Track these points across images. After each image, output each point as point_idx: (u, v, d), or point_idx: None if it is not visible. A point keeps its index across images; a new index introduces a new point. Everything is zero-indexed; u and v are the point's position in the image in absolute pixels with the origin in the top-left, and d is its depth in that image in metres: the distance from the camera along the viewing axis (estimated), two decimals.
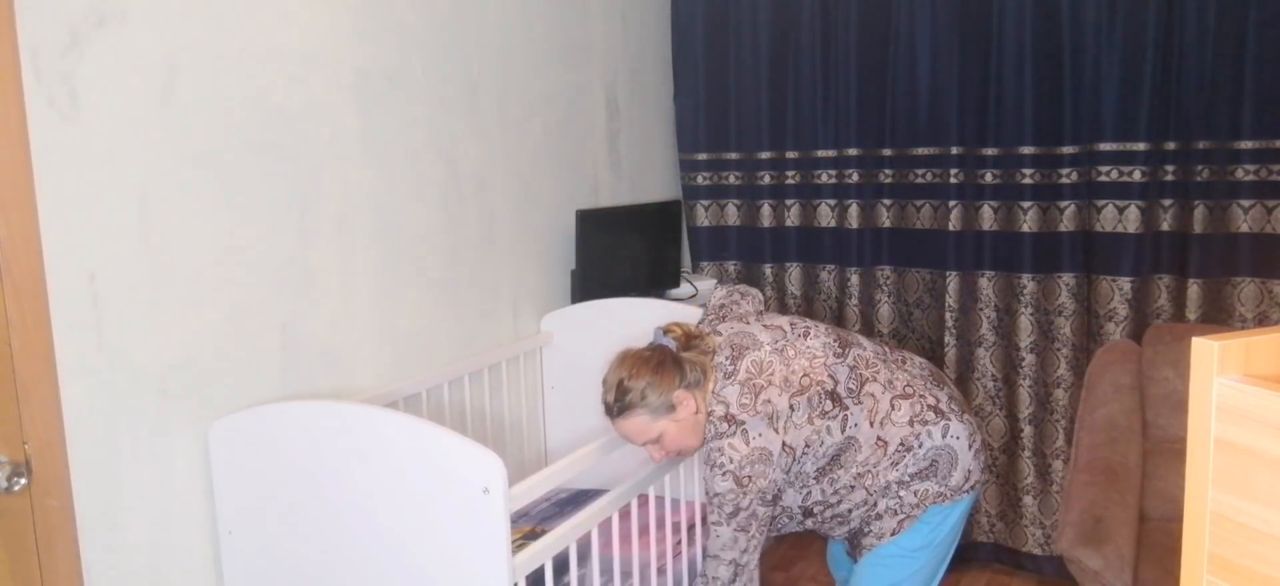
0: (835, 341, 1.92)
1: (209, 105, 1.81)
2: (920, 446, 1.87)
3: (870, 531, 1.92)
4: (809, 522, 1.98)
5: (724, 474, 1.78)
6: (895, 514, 1.89)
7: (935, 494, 1.87)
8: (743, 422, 1.80)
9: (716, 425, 1.82)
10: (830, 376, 1.86)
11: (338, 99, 2.09)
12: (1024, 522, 3.08)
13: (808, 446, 1.83)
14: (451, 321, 2.46)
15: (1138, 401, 2.69)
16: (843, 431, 1.85)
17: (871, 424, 1.87)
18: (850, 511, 1.92)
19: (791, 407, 1.81)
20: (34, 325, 1.53)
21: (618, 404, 1.87)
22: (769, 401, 1.81)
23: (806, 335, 1.92)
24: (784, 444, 1.81)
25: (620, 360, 1.90)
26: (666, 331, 1.94)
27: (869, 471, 1.87)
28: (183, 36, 1.75)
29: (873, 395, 1.88)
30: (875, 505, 1.89)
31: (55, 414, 1.56)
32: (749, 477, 1.78)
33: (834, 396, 1.85)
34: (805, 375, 1.84)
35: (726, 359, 1.88)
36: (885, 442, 1.87)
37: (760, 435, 1.80)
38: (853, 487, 1.89)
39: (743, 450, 1.78)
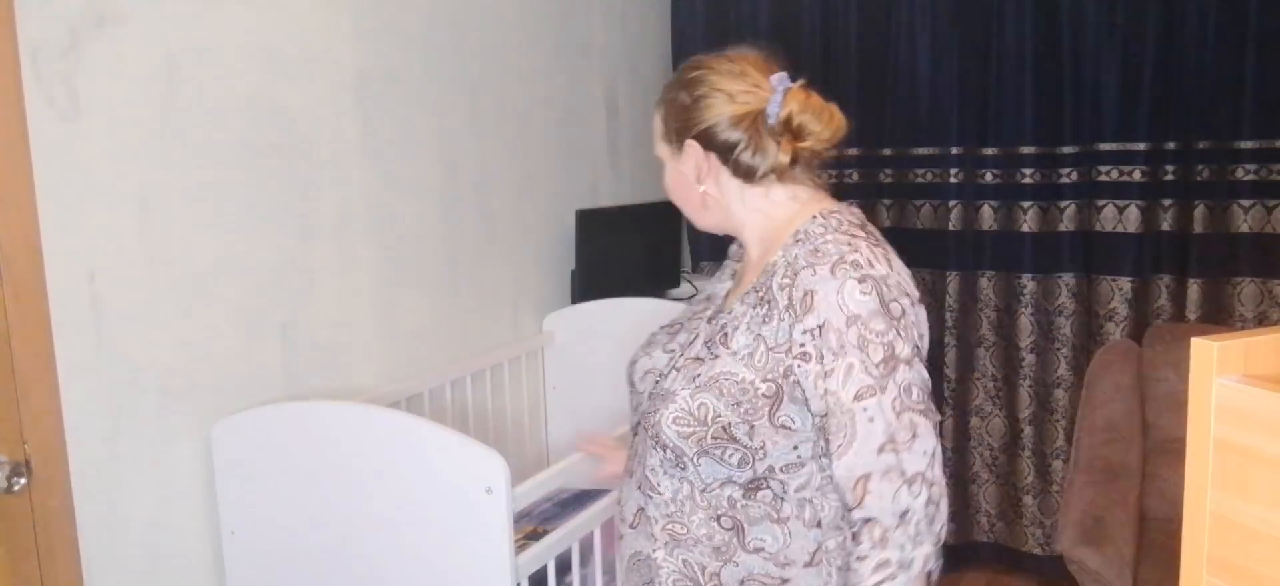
0: None
1: (209, 105, 1.81)
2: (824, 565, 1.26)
3: None
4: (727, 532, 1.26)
5: (863, 281, 1.15)
6: None
7: None
8: (876, 242, 1.24)
9: (826, 220, 1.25)
10: None
11: (338, 99, 2.09)
12: (1024, 522, 3.08)
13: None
14: (452, 321, 2.47)
15: (1138, 401, 2.70)
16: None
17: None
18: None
19: None
20: (34, 325, 1.53)
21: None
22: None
23: None
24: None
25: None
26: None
27: (806, 506, 1.24)
28: (183, 36, 1.75)
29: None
30: None
31: (55, 414, 1.56)
32: (897, 304, 1.17)
33: None
34: None
35: (850, 223, 1.26)
36: (819, 519, 1.25)
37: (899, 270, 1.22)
38: (776, 523, 1.24)
39: (883, 265, 1.19)
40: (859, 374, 1.14)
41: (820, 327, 1.15)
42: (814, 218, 1.26)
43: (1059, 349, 2.96)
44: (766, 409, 1.19)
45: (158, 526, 1.76)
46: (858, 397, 1.14)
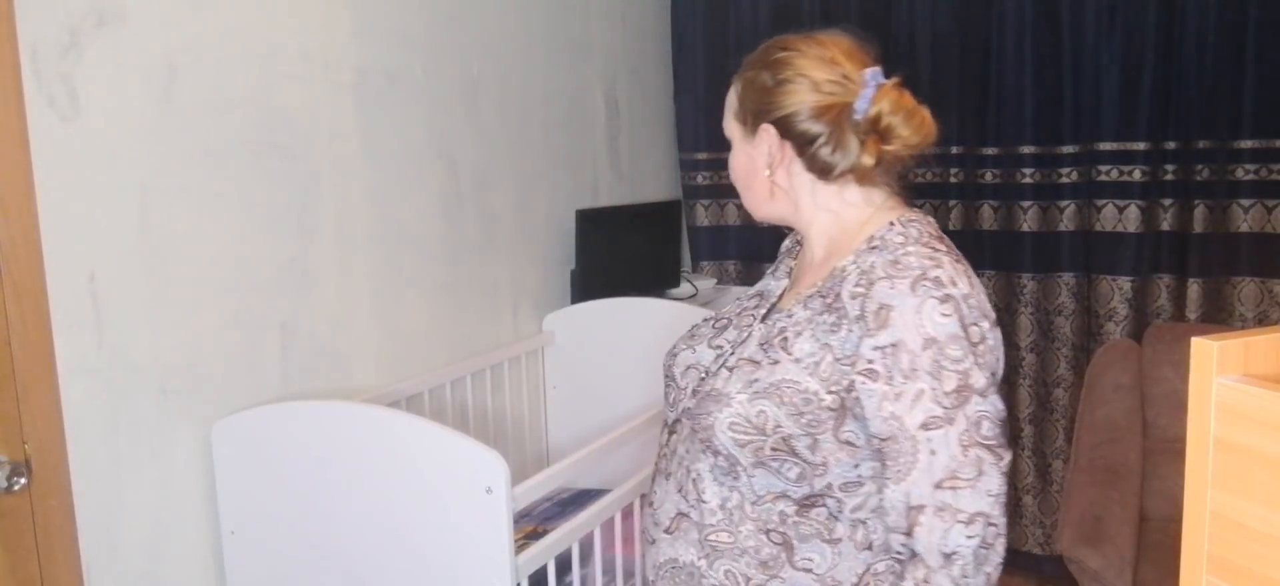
0: None
1: (209, 105, 1.81)
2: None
3: None
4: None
5: (945, 301, 1.09)
6: None
7: None
8: (957, 257, 1.18)
9: (905, 228, 1.20)
10: None
11: (338, 99, 2.09)
12: (1024, 522, 3.08)
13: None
14: (452, 321, 2.47)
15: (1138, 401, 2.70)
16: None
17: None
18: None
19: None
20: (34, 325, 1.53)
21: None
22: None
23: None
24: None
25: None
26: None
27: (859, 528, 1.17)
28: (183, 36, 1.75)
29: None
30: None
31: (55, 414, 1.56)
32: (977, 328, 1.10)
33: None
34: None
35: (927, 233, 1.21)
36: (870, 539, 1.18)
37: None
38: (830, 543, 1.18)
39: (965, 283, 1.13)
40: (928, 402, 1.06)
41: (893, 346, 1.08)
42: (891, 224, 1.19)
43: (1059, 349, 2.97)
44: (831, 422, 1.11)
45: (158, 526, 1.76)
46: (924, 427, 1.07)
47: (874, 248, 1.17)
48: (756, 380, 1.15)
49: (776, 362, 1.15)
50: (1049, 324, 2.98)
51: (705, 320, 1.35)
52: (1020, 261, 2.98)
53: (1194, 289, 2.80)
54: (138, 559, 1.73)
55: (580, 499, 2.48)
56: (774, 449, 1.13)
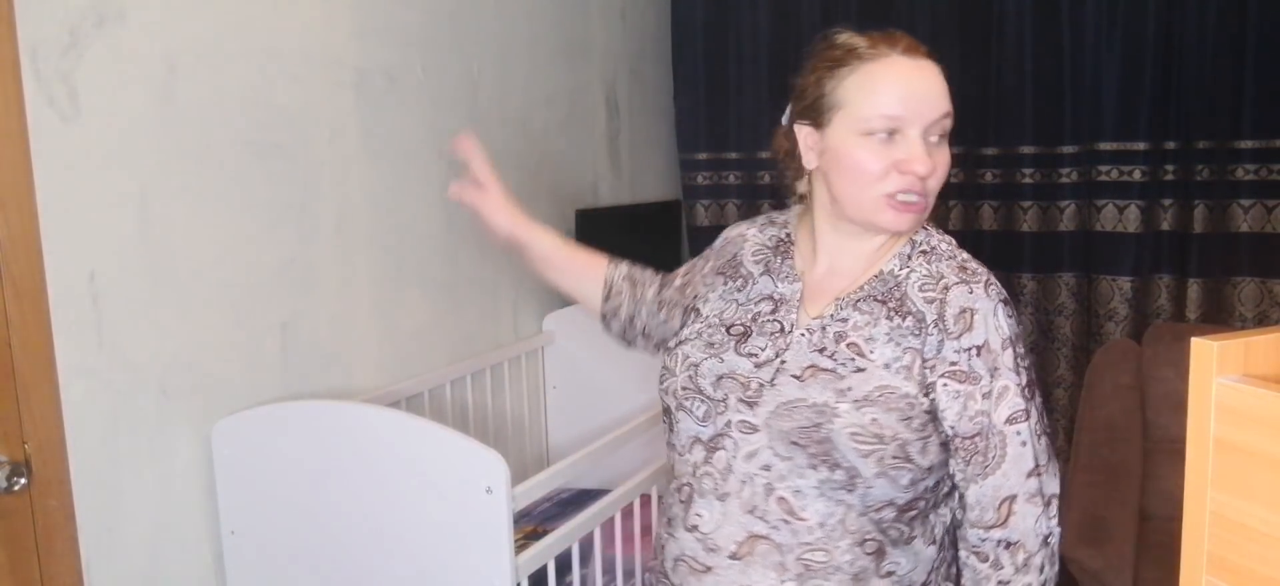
0: None
1: (209, 105, 1.81)
2: None
3: None
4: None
5: (1006, 303, 1.16)
6: None
7: None
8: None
9: (942, 235, 1.24)
10: None
11: (338, 99, 2.09)
12: None
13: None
14: (452, 321, 2.46)
15: (1138, 401, 2.69)
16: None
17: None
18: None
19: None
20: (34, 325, 1.53)
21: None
22: None
23: None
24: None
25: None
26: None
27: (926, 525, 1.21)
28: (183, 36, 1.75)
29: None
30: None
31: (55, 414, 1.56)
32: (1022, 328, 1.21)
33: None
34: None
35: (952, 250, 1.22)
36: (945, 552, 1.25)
37: None
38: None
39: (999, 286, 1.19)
40: (1013, 397, 1.12)
41: (980, 348, 1.12)
42: (926, 230, 1.22)
43: (1059, 349, 2.97)
44: (932, 426, 1.14)
45: (158, 526, 1.76)
46: (1010, 421, 1.12)
47: (923, 253, 1.20)
48: (848, 388, 1.12)
49: (862, 370, 1.13)
50: (1049, 324, 2.98)
51: (706, 325, 1.28)
52: (1020, 261, 2.98)
53: (1194, 289, 2.80)
54: (138, 559, 1.73)
55: (580, 499, 2.48)
56: (894, 456, 1.12)
